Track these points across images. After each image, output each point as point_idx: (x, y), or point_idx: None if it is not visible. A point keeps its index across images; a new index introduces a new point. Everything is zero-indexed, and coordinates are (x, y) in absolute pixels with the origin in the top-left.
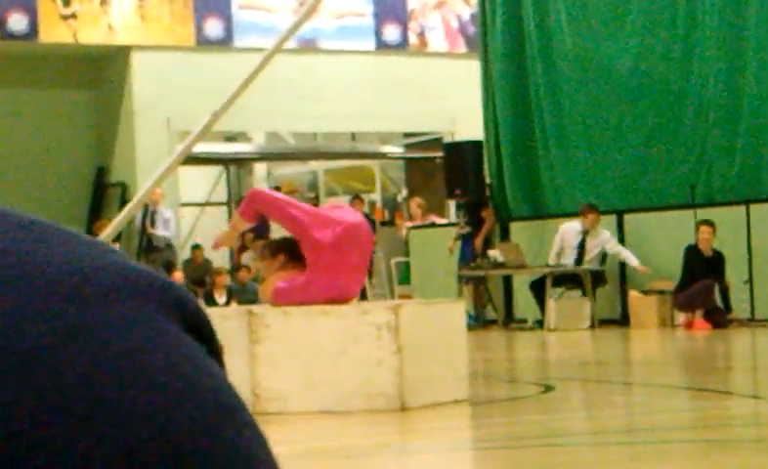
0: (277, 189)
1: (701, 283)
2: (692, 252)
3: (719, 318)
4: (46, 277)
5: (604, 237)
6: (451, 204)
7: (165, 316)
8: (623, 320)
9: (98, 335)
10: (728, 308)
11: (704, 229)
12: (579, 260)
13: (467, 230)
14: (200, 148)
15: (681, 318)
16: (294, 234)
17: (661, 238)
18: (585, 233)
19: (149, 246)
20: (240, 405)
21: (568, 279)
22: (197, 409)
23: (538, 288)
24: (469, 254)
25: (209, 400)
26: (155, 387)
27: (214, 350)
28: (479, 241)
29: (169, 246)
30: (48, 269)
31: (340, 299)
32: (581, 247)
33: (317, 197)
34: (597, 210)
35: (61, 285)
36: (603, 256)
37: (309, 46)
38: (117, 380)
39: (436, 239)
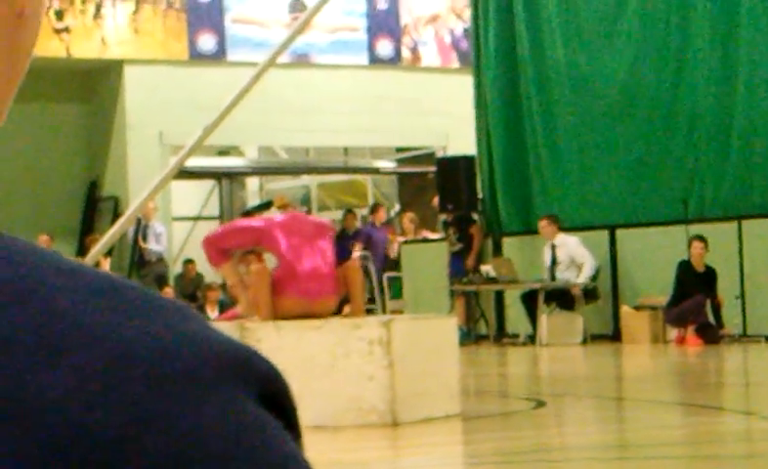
0: (270, 203)
1: (692, 299)
2: (684, 268)
3: (711, 333)
4: (122, 358)
5: (570, 246)
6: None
7: (245, 393)
8: (615, 336)
9: (172, 424)
10: (720, 324)
11: (696, 244)
12: (552, 275)
13: (459, 246)
14: (193, 162)
15: (673, 333)
16: (255, 244)
17: (654, 254)
18: (553, 247)
19: (140, 261)
20: None
21: (559, 295)
22: None
23: (530, 301)
24: (460, 269)
25: None
26: None
27: (293, 423)
28: (471, 259)
29: (161, 261)
30: (124, 347)
31: (308, 290)
32: (553, 261)
33: (309, 212)
34: (551, 219)
35: (137, 367)
36: (596, 271)
37: (302, 60)
38: None
39: (428, 254)
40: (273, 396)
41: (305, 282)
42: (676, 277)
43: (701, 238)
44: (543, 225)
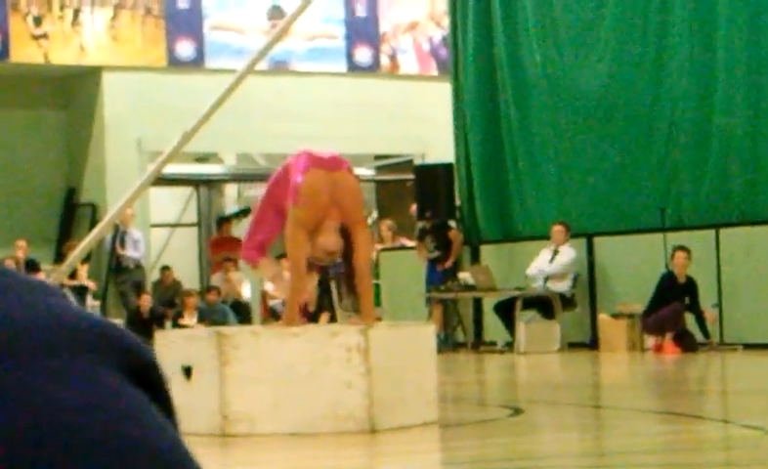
0: (248, 210)
1: (670, 307)
2: (667, 278)
3: (688, 341)
4: None
5: (567, 256)
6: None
7: (106, 366)
8: (593, 344)
9: (27, 397)
10: (706, 335)
11: (679, 254)
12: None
13: (435, 254)
14: (171, 169)
15: (651, 341)
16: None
17: (631, 261)
18: (555, 252)
19: (118, 267)
20: (184, 462)
21: (537, 303)
22: None
23: (503, 310)
24: (435, 277)
25: (150, 462)
26: (93, 449)
27: (161, 397)
28: (449, 262)
29: (138, 267)
30: None
31: (323, 162)
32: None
33: None
34: (566, 227)
35: None
36: (574, 279)
37: (280, 68)
38: (48, 446)
39: (406, 262)
40: (139, 370)
41: (321, 159)
42: (658, 286)
43: (684, 249)
44: (558, 230)
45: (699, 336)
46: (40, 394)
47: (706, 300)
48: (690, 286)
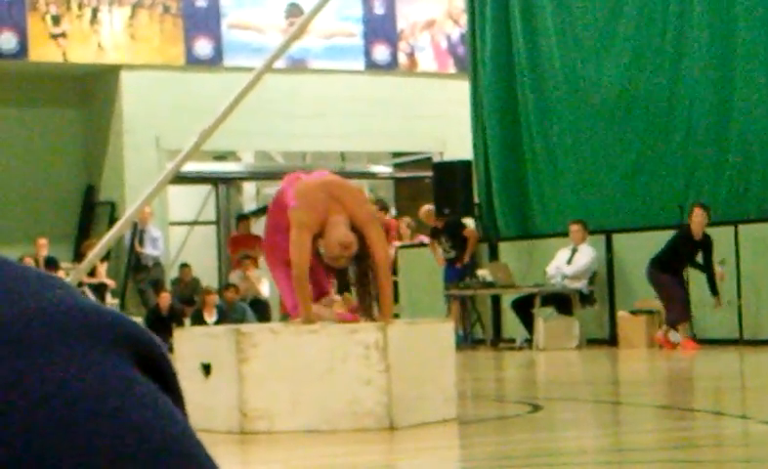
0: (266, 208)
1: (678, 294)
2: (684, 234)
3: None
4: None
5: (586, 255)
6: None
7: (116, 355)
8: (612, 340)
9: (40, 385)
10: (714, 292)
11: (697, 212)
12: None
13: (452, 253)
14: (189, 167)
15: (659, 333)
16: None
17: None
18: (574, 250)
19: (137, 265)
20: (194, 449)
21: (555, 300)
22: (148, 461)
23: (520, 307)
24: (453, 274)
25: (161, 449)
26: (103, 437)
27: (170, 386)
28: (466, 257)
29: (157, 265)
30: None
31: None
32: (568, 263)
33: None
34: (583, 225)
35: (4, 331)
36: (592, 276)
37: (298, 66)
38: (60, 432)
39: (424, 259)
40: (147, 359)
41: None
42: (673, 238)
43: (702, 206)
44: (576, 229)
45: (706, 294)
46: (52, 382)
47: (725, 297)
48: (705, 243)
